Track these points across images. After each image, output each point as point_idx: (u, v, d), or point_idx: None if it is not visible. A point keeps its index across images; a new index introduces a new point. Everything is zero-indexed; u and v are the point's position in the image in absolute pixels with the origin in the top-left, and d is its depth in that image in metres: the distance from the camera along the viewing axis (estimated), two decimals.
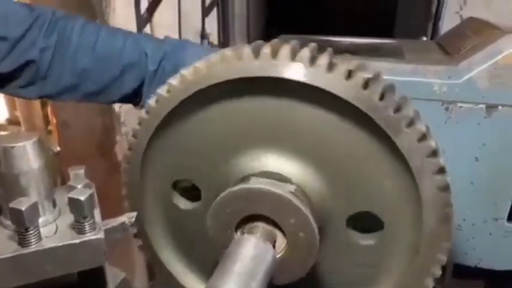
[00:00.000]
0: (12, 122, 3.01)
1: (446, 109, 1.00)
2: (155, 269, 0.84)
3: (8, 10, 0.92)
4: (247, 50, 0.64)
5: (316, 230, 0.63)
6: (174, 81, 0.68)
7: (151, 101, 0.71)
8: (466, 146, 1.02)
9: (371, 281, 0.73)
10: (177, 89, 0.67)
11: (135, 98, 1.06)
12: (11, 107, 2.99)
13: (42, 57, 0.95)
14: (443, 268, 0.70)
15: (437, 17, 2.84)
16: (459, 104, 0.99)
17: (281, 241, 0.66)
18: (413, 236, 0.66)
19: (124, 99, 1.07)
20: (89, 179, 0.60)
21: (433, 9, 2.94)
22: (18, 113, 2.77)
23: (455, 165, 1.03)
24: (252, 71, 0.63)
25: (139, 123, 0.73)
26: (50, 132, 2.60)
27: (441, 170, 0.61)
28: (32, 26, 0.93)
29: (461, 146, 1.03)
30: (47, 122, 2.64)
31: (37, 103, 2.65)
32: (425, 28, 3.06)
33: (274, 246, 0.65)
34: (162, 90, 0.69)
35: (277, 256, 0.64)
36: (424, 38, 1.76)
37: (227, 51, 0.66)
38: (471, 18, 1.42)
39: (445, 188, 0.62)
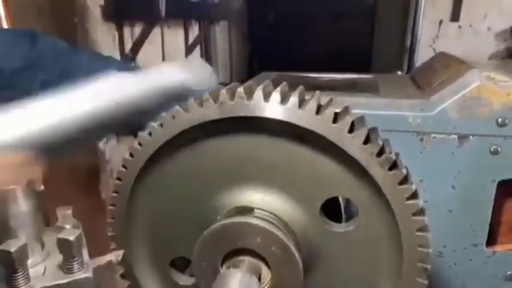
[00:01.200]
0: None
1: (421, 140, 1.04)
2: None
3: (9, 41, 0.94)
4: (224, 92, 0.67)
5: (300, 262, 0.65)
6: (154, 124, 0.71)
7: (134, 144, 0.73)
8: (442, 174, 1.07)
9: None
10: (157, 132, 0.70)
11: None
12: None
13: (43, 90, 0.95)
14: None
15: (412, 50, 2.98)
16: (433, 135, 1.04)
17: (266, 273, 0.67)
18: (394, 261, 0.68)
19: None
20: (74, 217, 0.61)
21: (407, 44, 3.08)
22: None
23: (434, 193, 1.08)
24: (227, 111, 0.66)
25: (123, 166, 0.74)
26: None
27: (414, 195, 0.64)
28: (34, 59, 0.94)
29: (437, 175, 1.07)
30: None
31: None
32: (401, 62, 3.19)
33: (259, 279, 0.66)
34: (143, 134, 0.72)
35: None
36: (399, 72, 1.84)
37: (204, 96, 0.69)
38: (441, 53, 1.50)
39: (414, 195, 0.64)
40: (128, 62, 1.77)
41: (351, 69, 1.65)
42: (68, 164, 2.14)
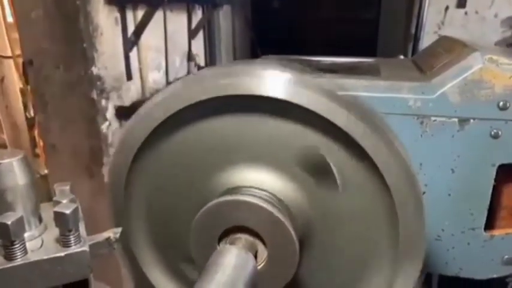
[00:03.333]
0: None
1: (421, 123, 1.04)
2: (135, 278, 0.85)
3: None
4: (219, 71, 0.67)
5: (297, 242, 0.66)
6: (154, 100, 0.71)
7: (130, 122, 0.73)
8: (441, 158, 1.06)
9: (358, 280, 0.75)
10: (153, 112, 0.70)
11: None
12: None
13: None
14: (429, 280, 0.72)
15: (416, 37, 2.95)
16: (433, 118, 1.03)
17: (262, 252, 0.68)
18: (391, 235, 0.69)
19: None
20: (78, 200, 0.62)
21: (413, 30, 3.05)
22: (4, 136, 2.77)
23: (433, 177, 1.08)
24: (235, 88, 0.66)
25: (120, 145, 0.75)
26: (37, 155, 2.59)
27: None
28: None
29: (437, 158, 1.07)
30: (34, 145, 2.64)
31: (24, 126, 2.65)
32: (405, 48, 3.16)
33: (256, 257, 0.67)
34: (141, 110, 0.72)
35: (259, 267, 0.66)
36: (401, 56, 1.82)
37: (205, 71, 0.69)
38: (444, 37, 1.48)
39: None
40: None
41: (355, 56, 1.63)
42: (71, 147, 2.15)
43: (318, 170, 0.69)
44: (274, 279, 0.68)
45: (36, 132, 2.50)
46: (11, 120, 2.65)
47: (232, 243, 0.67)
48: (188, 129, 0.72)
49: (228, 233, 0.68)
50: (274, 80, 0.65)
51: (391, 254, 0.71)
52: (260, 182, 0.71)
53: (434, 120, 1.03)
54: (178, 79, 0.73)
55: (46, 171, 2.21)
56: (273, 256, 0.67)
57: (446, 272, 1.16)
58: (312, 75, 0.94)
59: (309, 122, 0.66)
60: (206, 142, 0.72)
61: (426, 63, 1.24)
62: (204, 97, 0.66)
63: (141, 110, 0.73)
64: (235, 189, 0.70)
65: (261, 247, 0.68)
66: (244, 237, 0.68)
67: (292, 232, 0.65)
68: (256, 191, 0.69)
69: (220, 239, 0.69)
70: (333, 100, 0.63)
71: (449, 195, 1.09)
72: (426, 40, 2.87)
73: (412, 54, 2.93)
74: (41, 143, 2.31)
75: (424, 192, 1.06)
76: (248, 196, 0.66)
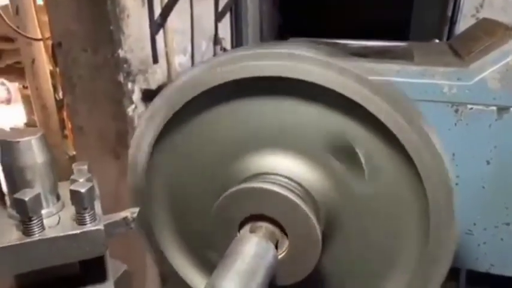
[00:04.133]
0: (30, 126, 3.08)
1: (456, 111, 0.98)
2: (158, 263, 0.84)
3: None
4: (246, 53, 0.64)
5: (319, 232, 0.63)
6: (184, 78, 0.69)
7: (157, 100, 0.71)
8: (476, 148, 1.01)
9: (380, 276, 0.72)
10: (186, 86, 0.68)
11: None
12: (29, 111, 3.06)
13: None
14: (457, 274, 0.69)
15: (452, 20, 2.81)
16: (469, 106, 0.98)
17: (284, 242, 0.66)
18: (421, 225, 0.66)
19: None
20: (103, 182, 0.62)
21: (449, 13, 2.91)
22: (35, 118, 2.83)
23: (466, 168, 1.02)
24: (262, 70, 0.63)
25: (147, 121, 0.73)
26: (65, 136, 2.65)
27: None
28: None
29: (471, 148, 1.01)
30: (63, 126, 2.69)
31: (53, 108, 2.70)
32: (441, 32, 3.02)
33: (276, 247, 0.65)
34: (166, 91, 0.70)
35: (279, 257, 0.64)
36: (437, 40, 1.74)
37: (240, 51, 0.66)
38: (484, 20, 1.40)
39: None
40: None
41: (388, 39, 1.56)
42: (98, 129, 2.18)
43: (346, 156, 0.66)
44: (296, 269, 0.66)
45: (65, 114, 2.55)
46: (41, 102, 2.70)
47: (253, 231, 0.65)
48: (211, 112, 0.70)
49: (249, 220, 0.66)
50: (302, 63, 0.61)
51: (420, 247, 0.67)
52: (284, 169, 0.68)
53: (471, 108, 0.97)
54: (203, 61, 0.70)
55: (74, 153, 2.26)
56: (294, 246, 0.65)
57: (476, 268, 1.11)
58: (342, 58, 0.89)
59: (338, 106, 0.62)
60: (229, 126, 0.69)
61: (464, 47, 1.17)
62: (229, 79, 0.64)
63: (166, 90, 0.71)
64: (257, 176, 0.68)
65: (282, 236, 0.66)
66: (265, 226, 0.65)
67: (315, 222, 0.62)
68: (279, 178, 0.67)
69: (241, 226, 0.67)
70: (364, 85, 0.59)
71: (484, 187, 1.03)
72: (463, 24, 2.73)
73: (448, 38, 2.80)
74: (69, 125, 2.35)
75: (456, 184, 1.01)
76: (269, 184, 0.64)
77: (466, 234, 1.07)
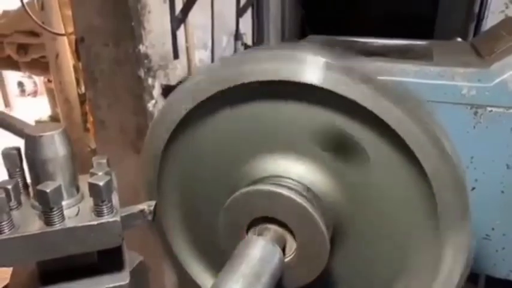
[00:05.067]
0: (54, 119, 3.16)
1: (475, 113, 0.96)
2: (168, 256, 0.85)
3: None
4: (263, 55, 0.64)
5: (327, 234, 0.63)
6: (201, 76, 0.69)
7: (174, 95, 0.72)
8: (496, 152, 0.98)
9: (390, 278, 0.72)
10: (203, 84, 0.68)
11: None
12: (53, 105, 3.14)
13: None
14: (475, 280, 0.68)
15: (480, 17, 2.72)
16: (489, 108, 0.95)
17: (291, 245, 0.66)
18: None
19: None
20: (122, 175, 0.64)
21: (476, 9, 2.82)
22: (58, 111, 2.90)
23: (485, 172, 1.00)
24: (268, 74, 0.63)
25: (160, 117, 0.74)
26: (88, 130, 2.70)
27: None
28: None
29: (491, 152, 0.98)
30: (85, 120, 2.75)
31: (76, 102, 2.76)
32: (466, 30, 2.93)
33: (284, 250, 0.65)
34: (188, 83, 0.70)
35: (286, 260, 0.64)
36: (459, 39, 1.69)
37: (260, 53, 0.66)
38: (509, 18, 1.35)
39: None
40: None
41: (412, 36, 1.52)
42: (118, 124, 2.21)
43: (355, 159, 0.65)
44: (304, 272, 0.66)
45: (87, 108, 2.60)
46: (64, 96, 2.76)
47: (260, 233, 0.65)
48: (221, 114, 0.70)
49: (257, 222, 0.66)
50: (306, 65, 0.61)
51: (431, 249, 0.66)
52: (292, 172, 0.68)
53: (490, 111, 0.94)
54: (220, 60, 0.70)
55: (94, 146, 2.30)
56: (302, 248, 0.65)
57: (494, 274, 1.08)
58: (353, 59, 0.88)
59: (346, 110, 0.62)
60: (238, 129, 0.70)
61: (486, 47, 1.13)
62: (237, 82, 0.64)
63: (182, 87, 0.71)
64: (265, 179, 0.68)
65: (290, 239, 0.66)
66: (273, 228, 0.65)
67: (323, 226, 0.62)
68: (288, 181, 0.67)
69: (249, 228, 0.67)
70: (369, 86, 0.59)
71: (503, 192, 1.00)
72: (491, 20, 2.64)
73: (474, 35, 2.71)
74: (91, 119, 2.40)
75: (473, 188, 0.99)
76: (277, 186, 0.64)
77: (484, 240, 1.04)
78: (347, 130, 0.63)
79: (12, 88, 6.38)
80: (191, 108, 0.70)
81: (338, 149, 0.66)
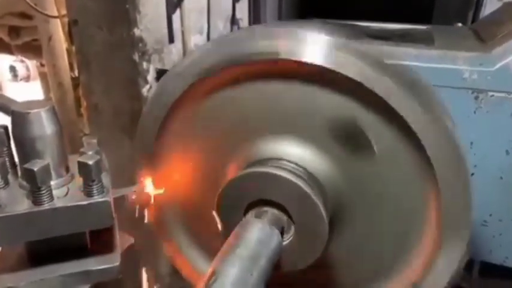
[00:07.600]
0: None
1: (476, 98, 0.94)
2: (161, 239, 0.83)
3: None
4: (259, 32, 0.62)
5: (326, 217, 0.62)
6: (209, 47, 0.67)
7: (164, 79, 0.70)
8: (496, 138, 0.97)
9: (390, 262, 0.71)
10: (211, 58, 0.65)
11: None
12: (46, 89, 3.09)
13: None
14: (470, 266, 0.67)
15: (478, 3, 2.70)
16: (490, 93, 0.93)
17: (290, 228, 0.65)
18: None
19: None
20: (115, 160, 0.63)
21: None
22: (52, 95, 2.86)
23: (484, 158, 0.98)
24: (267, 53, 0.61)
25: (163, 84, 0.71)
26: (81, 115, 2.67)
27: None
28: None
29: (491, 137, 0.97)
30: (78, 104, 2.71)
31: (69, 86, 2.72)
32: (465, 16, 2.91)
33: (282, 233, 0.64)
34: (194, 54, 0.68)
35: (284, 243, 0.63)
36: (459, 24, 1.67)
37: (240, 32, 0.64)
38: (509, 4, 1.33)
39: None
40: None
41: (410, 21, 1.50)
42: (112, 108, 2.18)
43: (355, 142, 0.64)
44: (302, 255, 0.65)
45: (80, 92, 2.56)
46: (57, 80, 2.72)
47: (258, 216, 0.64)
48: (216, 95, 0.68)
49: (255, 205, 0.65)
50: (311, 45, 0.59)
51: (432, 233, 0.65)
52: (291, 154, 0.67)
53: (492, 96, 0.93)
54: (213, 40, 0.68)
55: (87, 132, 2.27)
56: (300, 232, 0.64)
57: (490, 260, 1.08)
58: (358, 41, 0.86)
59: (347, 90, 0.60)
60: (234, 110, 0.68)
61: (487, 32, 1.11)
62: (234, 62, 0.62)
63: (176, 68, 0.69)
64: (263, 161, 0.66)
65: (288, 222, 0.65)
66: (271, 211, 0.64)
67: (321, 207, 0.61)
68: (285, 163, 0.65)
69: (246, 211, 0.66)
70: (376, 68, 0.57)
71: (501, 178, 0.99)
72: (489, 7, 2.62)
73: (472, 22, 2.69)
74: (85, 103, 2.36)
75: (472, 174, 0.97)
76: (276, 169, 0.62)
77: (481, 226, 1.04)
78: (349, 113, 0.62)
79: (4, 73, 6.29)
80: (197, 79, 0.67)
81: (347, 138, 0.64)
